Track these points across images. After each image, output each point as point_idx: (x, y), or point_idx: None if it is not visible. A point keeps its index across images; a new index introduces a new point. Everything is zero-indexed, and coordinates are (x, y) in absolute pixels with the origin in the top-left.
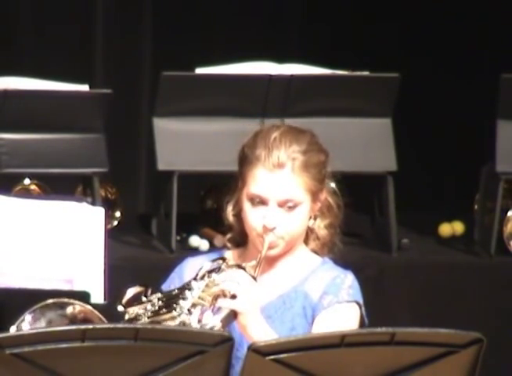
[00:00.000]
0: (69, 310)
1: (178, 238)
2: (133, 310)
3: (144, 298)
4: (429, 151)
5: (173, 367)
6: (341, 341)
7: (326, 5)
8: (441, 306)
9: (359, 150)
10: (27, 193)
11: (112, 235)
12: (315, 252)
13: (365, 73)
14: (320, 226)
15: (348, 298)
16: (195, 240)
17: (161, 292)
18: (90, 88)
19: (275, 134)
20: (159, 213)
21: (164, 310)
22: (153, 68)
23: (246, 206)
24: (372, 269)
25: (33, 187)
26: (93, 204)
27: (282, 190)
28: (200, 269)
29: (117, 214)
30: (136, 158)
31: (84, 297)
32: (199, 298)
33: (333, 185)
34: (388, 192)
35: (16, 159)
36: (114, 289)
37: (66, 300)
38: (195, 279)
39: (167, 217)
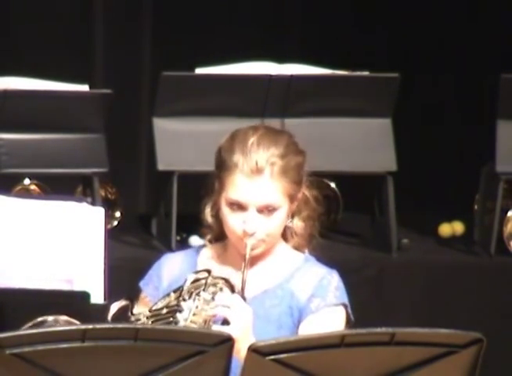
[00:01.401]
0: None
1: (178, 238)
2: None
3: (132, 317)
4: (429, 151)
5: (173, 367)
6: (341, 342)
7: (325, 5)
8: (441, 306)
9: (359, 150)
10: (27, 193)
11: (112, 235)
12: (296, 249)
13: (365, 73)
14: (298, 223)
15: (336, 301)
16: (195, 240)
17: (149, 310)
18: (90, 88)
19: (252, 138)
20: (159, 213)
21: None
22: (153, 68)
23: (226, 211)
24: (372, 269)
25: (33, 187)
26: (93, 204)
27: (261, 196)
28: (185, 281)
29: (117, 214)
30: (136, 158)
31: (84, 297)
32: (191, 321)
33: (333, 185)
34: (388, 192)
35: (16, 159)
36: (114, 289)
37: (50, 318)
38: (182, 298)
39: (167, 217)
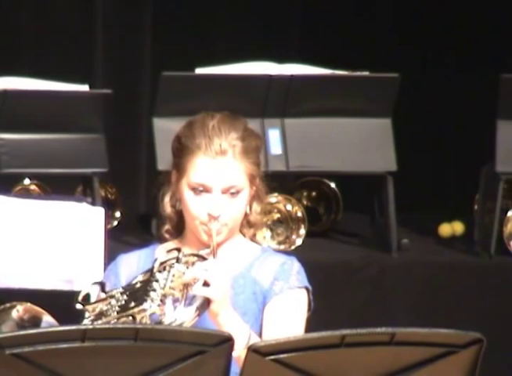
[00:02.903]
0: (14, 314)
1: None
2: (93, 307)
3: (103, 294)
4: (429, 151)
5: (173, 367)
6: (341, 341)
7: (326, 5)
8: (441, 306)
9: (359, 150)
10: (27, 193)
11: (112, 235)
12: (252, 240)
13: (365, 73)
14: (257, 210)
15: (298, 284)
16: None
17: (122, 287)
18: (90, 88)
19: (212, 122)
20: (159, 213)
21: (132, 304)
22: (153, 68)
23: (188, 195)
24: (372, 269)
25: (33, 187)
26: (93, 204)
27: (225, 177)
28: (155, 261)
29: (117, 214)
30: (136, 158)
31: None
32: (170, 288)
33: (333, 185)
34: (388, 192)
35: (16, 159)
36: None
37: (8, 304)
38: (157, 270)
39: None
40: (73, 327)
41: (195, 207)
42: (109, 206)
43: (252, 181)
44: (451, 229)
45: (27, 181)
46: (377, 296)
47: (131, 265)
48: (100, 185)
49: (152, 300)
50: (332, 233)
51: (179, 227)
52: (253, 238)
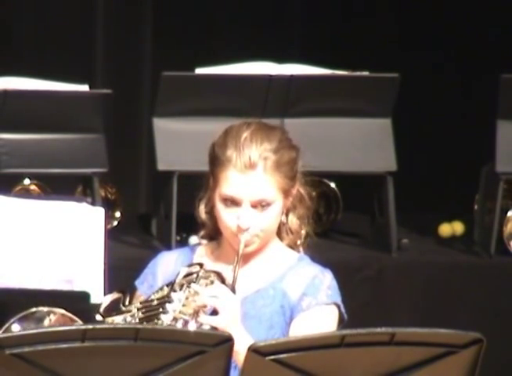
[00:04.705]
0: (46, 322)
1: (178, 238)
2: (112, 320)
3: (122, 307)
4: (429, 151)
5: (173, 367)
6: (341, 341)
7: (326, 4)
8: (441, 306)
9: (359, 150)
10: (27, 193)
11: (112, 235)
12: (291, 247)
13: (365, 73)
14: (293, 220)
15: (327, 300)
16: (195, 240)
17: (140, 302)
18: (90, 88)
19: (245, 134)
20: (159, 213)
21: (145, 324)
22: (153, 68)
23: (220, 206)
24: (372, 269)
25: (33, 187)
26: (93, 204)
27: (254, 191)
28: (177, 274)
29: (117, 214)
30: (136, 158)
31: (84, 297)
32: (180, 312)
33: (333, 185)
34: (388, 192)
35: (16, 159)
36: (114, 289)
37: (46, 309)
38: (173, 289)
39: (167, 217)
40: (74, 327)
41: (226, 218)
42: (109, 206)
43: (287, 193)
44: (451, 229)
45: (27, 181)
46: (377, 296)
47: (169, 263)
48: (100, 185)
49: (162, 323)
50: (332, 233)
51: (216, 231)
52: (292, 245)
